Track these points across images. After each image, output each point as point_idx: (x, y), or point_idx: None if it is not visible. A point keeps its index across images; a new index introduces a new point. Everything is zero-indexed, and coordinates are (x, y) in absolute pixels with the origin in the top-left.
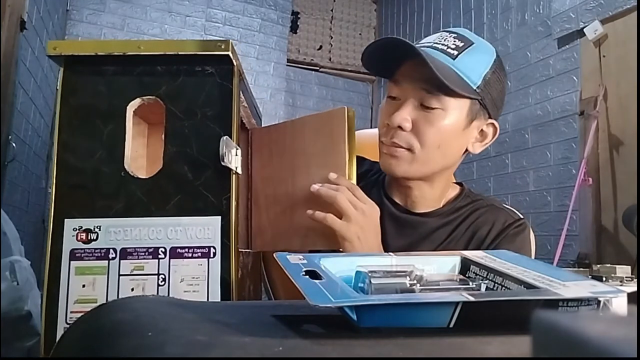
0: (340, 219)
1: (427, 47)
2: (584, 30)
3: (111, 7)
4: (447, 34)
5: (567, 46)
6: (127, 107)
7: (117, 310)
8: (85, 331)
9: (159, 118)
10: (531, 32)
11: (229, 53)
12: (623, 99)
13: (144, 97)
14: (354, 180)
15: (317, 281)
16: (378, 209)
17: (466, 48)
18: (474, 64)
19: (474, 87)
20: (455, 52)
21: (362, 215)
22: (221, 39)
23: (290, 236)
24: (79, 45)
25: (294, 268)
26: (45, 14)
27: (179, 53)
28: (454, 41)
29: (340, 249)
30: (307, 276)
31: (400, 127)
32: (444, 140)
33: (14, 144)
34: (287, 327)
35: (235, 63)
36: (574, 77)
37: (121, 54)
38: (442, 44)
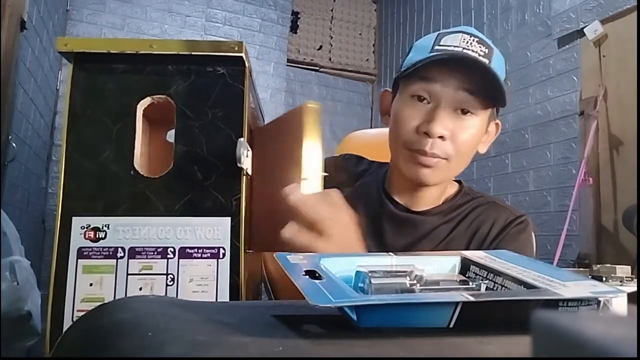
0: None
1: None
2: (584, 30)
3: (111, 7)
4: (469, 37)
5: (567, 46)
6: (137, 106)
7: (117, 310)
8: (85, 331)
9: (161, 117)
10: (531, 32)
11: (242, 55)
12: (623, 99)
13: (154, 96)
14: (319, 174)
15: (317, 281)
16: (334, 195)
17: (492, 54)
18: (499, 71)
19: None
20: (486, 60)
21: (330, 227)
22: (234, 40)
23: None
24: (90, 43)
25: (294, 268)
26: (45, 14)
27: (192, 53)
28: (480, 47)
29: None
30: (307, 276)
31: (441, 137)
32: (474, 146)
33: (14, 144)
34: (287, 327)
35: (247, 64)
36: (574, 77)
37: (133, 52)
38: (472, 50)
